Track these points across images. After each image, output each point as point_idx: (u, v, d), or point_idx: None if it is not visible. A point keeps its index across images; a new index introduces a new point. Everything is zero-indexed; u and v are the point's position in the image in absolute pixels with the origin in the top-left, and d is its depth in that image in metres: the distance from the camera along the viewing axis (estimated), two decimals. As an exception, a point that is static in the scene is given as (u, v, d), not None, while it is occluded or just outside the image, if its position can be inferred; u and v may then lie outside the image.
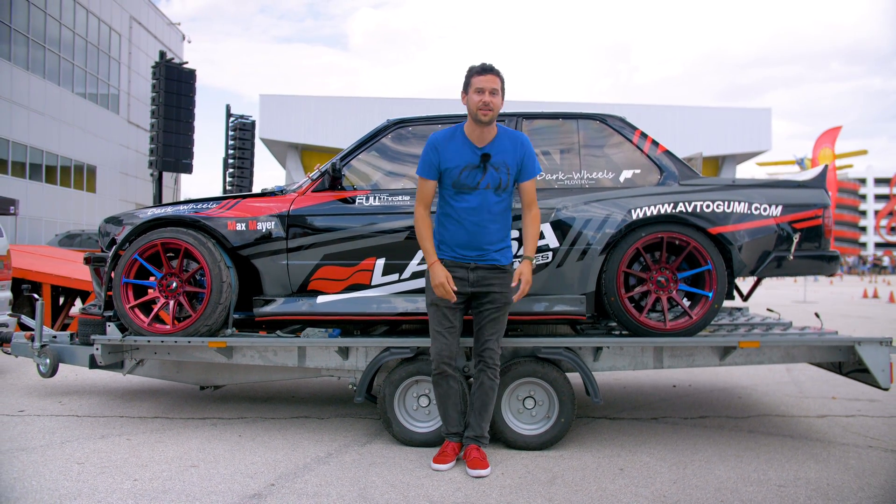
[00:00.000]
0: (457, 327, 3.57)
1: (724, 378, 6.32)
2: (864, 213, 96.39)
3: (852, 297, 21.01)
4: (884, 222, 41.21)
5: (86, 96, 28.45)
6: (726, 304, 5.33)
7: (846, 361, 4.22)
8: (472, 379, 3.80)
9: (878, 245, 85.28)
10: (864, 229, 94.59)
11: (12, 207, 17.06)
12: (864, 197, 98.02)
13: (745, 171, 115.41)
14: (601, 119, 4.46)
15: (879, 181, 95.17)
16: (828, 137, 15.98)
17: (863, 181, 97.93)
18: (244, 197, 4.50)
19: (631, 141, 4.41)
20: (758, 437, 4.31)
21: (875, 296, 20.80)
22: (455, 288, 3.45)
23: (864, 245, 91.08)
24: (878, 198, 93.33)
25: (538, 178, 4.26)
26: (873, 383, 4.04)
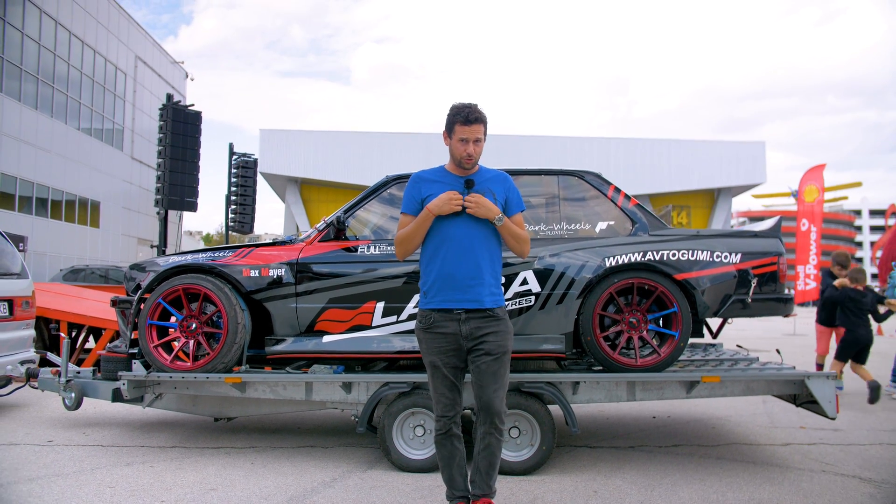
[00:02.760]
0: (458, 386, 3.30)
1: (702, 409, 6.74)
2: (860, 244, 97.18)
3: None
4: (879, 253, 41.70)
5: (91, 133, 29.13)
6: (702, 340, 5.81)
7: (800, 394, 4.67)
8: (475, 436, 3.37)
9: (874, 276, 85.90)
10: (860, 260, 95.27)
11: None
12: (859, 228, 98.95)
13: (741, 203, 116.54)
14: (579, 175, 4.97)
15: (874, 213, 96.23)
16: (813, 174, 16.60)
17: (858, 213, 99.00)
18: (257, 246, 4.99)
19: (606, 195, 4.91)
20: (724, 463, 4.74)
21: (864, 328, 21.18)
22: (458, 205, 3.19)
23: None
24: (874, 229, 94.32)
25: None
26: (822, 413, 4.49)
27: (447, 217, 3.24)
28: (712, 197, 38.66)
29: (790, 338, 16.97)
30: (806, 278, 16.11)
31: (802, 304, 20.21)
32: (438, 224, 3.26)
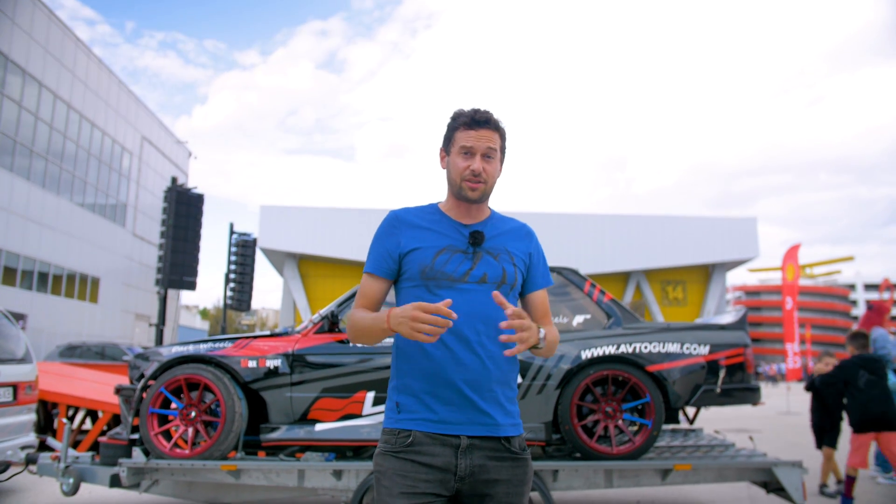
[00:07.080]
0: None
1: (685, 494, 6.88)
2: (855, 318, 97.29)
3: (837, 407, 21.40)
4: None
5: (94, 210, 29.80)
6: (681, 426, 6.04)
7: (770, 481, 4.88)
8: None
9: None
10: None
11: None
12: (854, 303, 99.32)
13: (736, 276, 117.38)
14: (558, 271, 5.32)
15: (869, 287, 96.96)
16: (790, 256, 17.28)
17: (852, 287, 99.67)
18: (255, 337, 5.28)
19: (582, 290, 5.25)
20: (700, 550, 4.91)
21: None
22: (444, 315, 1.84)
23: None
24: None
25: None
26: (790, 500, 4.70)
27: (441, 283, 2.05)
28: (707, 272, 39.15)
29: (784, 416, 17.01)
30: (794, 356, 16.32)
31: (800, 381, 20.35)
32: (426, 293, 2.06)
